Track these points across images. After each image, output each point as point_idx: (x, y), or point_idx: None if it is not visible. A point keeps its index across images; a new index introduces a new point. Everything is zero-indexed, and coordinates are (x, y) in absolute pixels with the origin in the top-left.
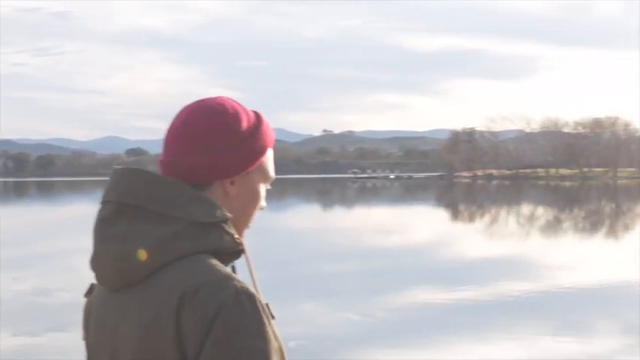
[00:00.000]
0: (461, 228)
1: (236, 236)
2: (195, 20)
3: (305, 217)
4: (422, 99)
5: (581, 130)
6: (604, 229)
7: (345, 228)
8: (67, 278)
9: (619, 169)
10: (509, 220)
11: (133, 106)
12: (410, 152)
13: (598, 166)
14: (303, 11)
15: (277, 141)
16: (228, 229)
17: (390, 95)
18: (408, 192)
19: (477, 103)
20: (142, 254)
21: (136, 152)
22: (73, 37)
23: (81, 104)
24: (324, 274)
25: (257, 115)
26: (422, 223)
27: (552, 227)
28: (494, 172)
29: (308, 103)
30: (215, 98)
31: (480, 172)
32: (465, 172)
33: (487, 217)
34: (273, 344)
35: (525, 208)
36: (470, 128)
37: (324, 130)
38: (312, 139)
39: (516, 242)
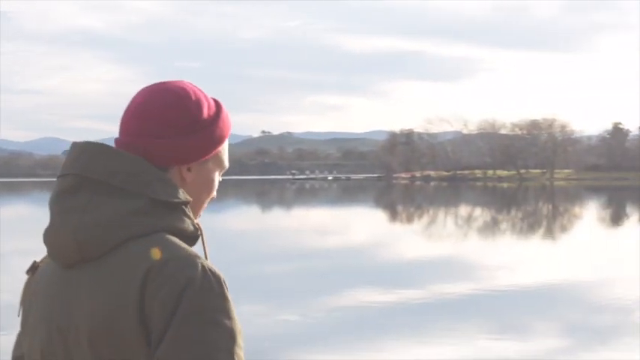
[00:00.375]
0: (399, 229)
1: (195, 221)
2: (131, 20)
3: (244, 219)
4: (361, 100)
5: (518, 131)
6: (541, 231)
7: (284, 229)
8: (5, 280)
9: (556, 171)
10: (447, 221)
11: (71, 107)
12: (349, 153)
13: (535, 168)
14: (239, 12)
15: None
16: (188, 212)
17: (329, 97)
18: (347, 193)
19: (416, 105)
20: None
21: None
22: (10, 38)
23: (18, 105)
24: (263, 275)
25: (217, 104)
26: (360, 224)
27: (490, 228)
28: (432, 173)
29: (246, 104)
30: (177, 82)
31: (417, 174)
32: (403, 173)
33: (425, 218)
34: (238, 323)
35: (463, 210)
36: (408, 130)
37: (263, 132)
38: (250, 140)
39: (455, 243)
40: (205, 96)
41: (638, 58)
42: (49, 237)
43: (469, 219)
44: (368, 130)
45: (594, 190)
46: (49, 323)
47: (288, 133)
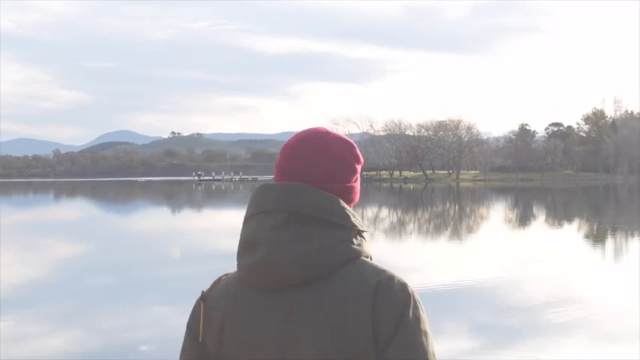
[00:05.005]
0: None
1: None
2: (40, 20)
3: (154, 219)
4: (271, 102)
5: (424, 132)
6: (448, 231)
7: (192, 230)
8: None
9: (462, 172)
10: None
11: None
12: (258, 155)
13: (442, 169)
14: (149, 13)
15: (125, 143)
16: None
17: (240, 98)
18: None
19: (326, 106)
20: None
21: None
22: None
23: None
24: (173, 276)
25: None
26: None
27: (397, 229)
28: None
29: (157, 105)
30: (339, 134)
31: None
32: None
33: None
34: None
35: (370, 211)
36: None
37: (173, 133)
38: (160, 141)
39: None
40: None
41: (544, 61)
42: (262, 265)
43: (376, 220)
44: (278, 132)
45: (500, 191)
46: (256, 344)
47: (198, 134)
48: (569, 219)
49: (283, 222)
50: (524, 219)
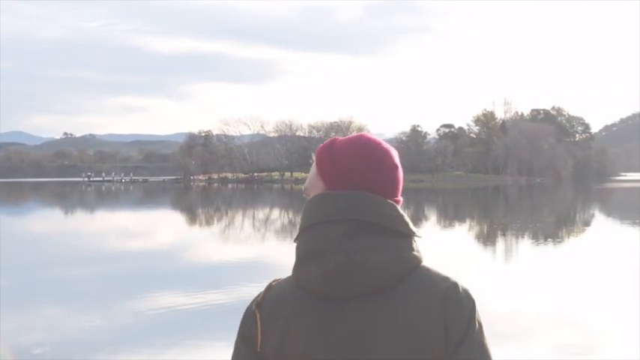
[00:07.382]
0: (198, 232)
1: None
2: None
3: (43, 221)
4: (165, 102)
5: (315, 133)
6: None
7: (84, 232)
8: None
9: None
10: (245, 223)
11: None
12: (150, 155)
13: None
14: (39, 12)
15: (16, 144)
16: None
17: (132, 98)
18: (146, 195)
19: (220, 107)
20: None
21: None
22: None
23: None
24: (65, 278)
25: None
26: (159, 227)
27: (288, 230)
28: (230, 175)
29: (49, 105)
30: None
31: (215, 176)
32: (201, 175)
33: (224, 221)
34: None
35: (261, 212)
36: (206, 131)
37: (65, 134)
38: (52, 142)
39: (254, 245)
40: None
41: (436, 62)
42: (337, 273)
43: (267, 221)
44: (171, 133)
45: None
46: (339, 351)
47: (91, 135)
48: (460, 220)
49: (354, 231)
50: (414, 220)
